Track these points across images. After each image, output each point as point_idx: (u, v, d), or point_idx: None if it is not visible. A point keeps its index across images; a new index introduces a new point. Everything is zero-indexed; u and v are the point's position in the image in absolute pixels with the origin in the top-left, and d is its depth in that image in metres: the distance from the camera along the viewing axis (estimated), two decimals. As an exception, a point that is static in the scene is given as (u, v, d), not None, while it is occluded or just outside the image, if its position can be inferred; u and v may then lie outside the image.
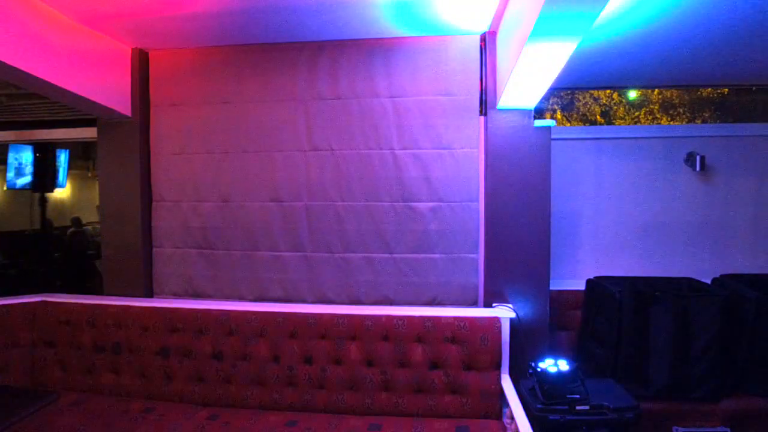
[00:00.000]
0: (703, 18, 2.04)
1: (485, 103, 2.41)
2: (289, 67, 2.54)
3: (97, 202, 3.45)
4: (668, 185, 2.95)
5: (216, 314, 2.39)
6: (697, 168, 2.87)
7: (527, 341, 2.35)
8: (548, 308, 2.39)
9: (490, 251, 2.40)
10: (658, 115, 9.51)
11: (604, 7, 1.40)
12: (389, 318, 2.26)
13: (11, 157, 3.80)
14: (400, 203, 2.47)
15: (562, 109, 9.73)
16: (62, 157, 3.51)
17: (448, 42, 2.43)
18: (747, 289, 2.35)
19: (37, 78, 2.06)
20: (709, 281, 2.62)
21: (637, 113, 9.75)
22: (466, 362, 2.20)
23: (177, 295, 2.69)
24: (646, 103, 9.63)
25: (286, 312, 2.35)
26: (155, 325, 2.41)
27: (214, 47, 2.61)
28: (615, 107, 9.85)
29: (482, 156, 2.42)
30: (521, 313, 2.35)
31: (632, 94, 9.31)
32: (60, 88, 2.20)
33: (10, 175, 3.44)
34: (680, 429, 2.21)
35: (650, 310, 2.27)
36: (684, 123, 9.01)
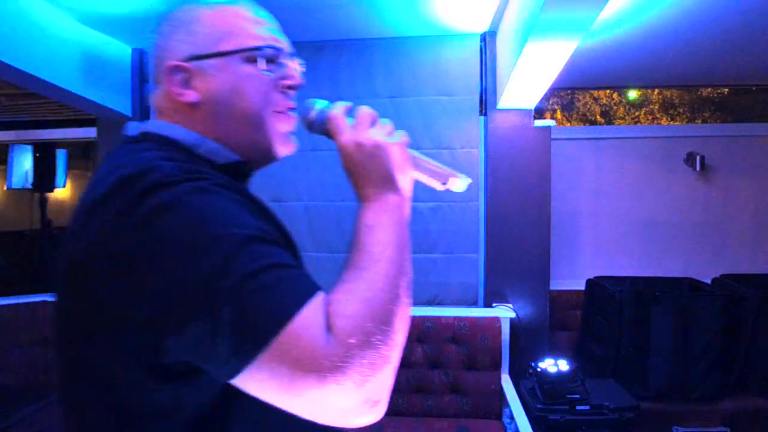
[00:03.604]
0: (704, 18, 2.04)
1: (485, 103, 2.41)
2: (289, 67, 2.53)
3: (97, 202, 3.43)
4: (668, 185, 2.95)
5: (216, 314, 2.38)
6: (697, 168, 2.86)
7: (527, 341, 2.34)
8: (548, 308, 2.39)
9: (490, 251, 2.40)
10: (658, 115, 9.51)
11: (604, 7, 1.40)
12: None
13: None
14: (400, 203, 2.47)
15: (562, 109, 9.72)
16: (61, 157, 3.52)
17: (448, 42, 2.43)
18: (747, 289, 2.34)
19: (37, 78, 2.06)
20: (709, 281, 2.61)
21: (637, 113, 9.74)
22: (466, 362, 2.20)
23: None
24: (646, 103, 9.62)
25: (286, 312, 2.34)
26: (155, 325, 2.41)
27: (214, 47, 2.61)
28: (615, 107, 9.85)
29: (482, 156, 2.42)
30: (521, 313, 2.35)
31: (632, 94, 9.30)
32: (60, 88, 2.19)
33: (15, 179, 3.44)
34: (680, 429, 2.21)
35: (650, 310, 2.27)
36: (684, 123, 9.01)
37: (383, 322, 0.49)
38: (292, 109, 0.69)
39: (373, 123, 0.65)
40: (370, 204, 0.61)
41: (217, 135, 0.64)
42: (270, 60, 0.65)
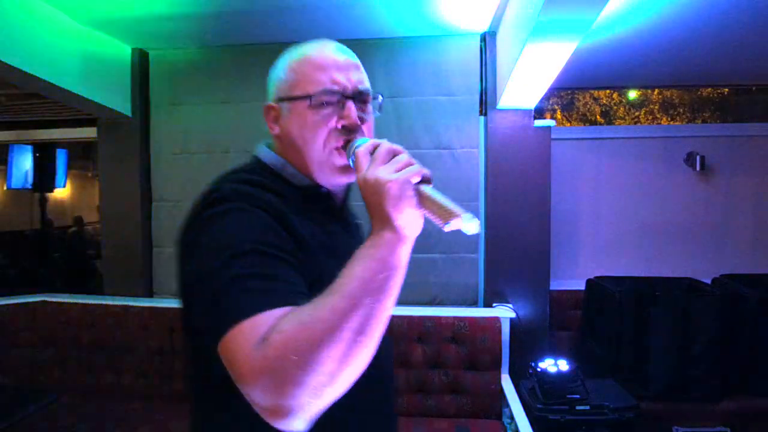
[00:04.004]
0: (703, 18, 2.04)
1: (485, 103, 2.41)
2: (289, 67, 2.53)
3: (97, 202, 3.44)
4: (668, 185, 2.95)
5: (216, 314, 2.38)
6: (697, 168, 2.86)
7: (527, 341, 2.34)
8: (548, 308, 2.39)
9: (490, 251, 2.40)
10: (658, 115, 9.51)
11: (603, 7, 1.40)
12: (389, 318, 2.26)
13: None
14: (400, 203, 2.47)
15: (562, 109, 9.73)
16: (61, 157, 3.52)
17: (448, 42, 2.43)
18: (747, 289, 2.35)
19: (37, 78, 2.06)
20: (709, 281, 2.61)
21: (637, 113, 9.75)
22: (466, 362, 2.20)
23: (177, 295, 2.68)
24: (646, 103, 9.63)
25: (286, 312, 2.35)
26: (155, 325, 2.41)
27: (214, 47, 2.61)
28: (615, 107, 9.85)
29: (482, 156, 2.42)
30: (521, 313, 2.35)
31: (632, 94, 9.30)
32: (60, 88, 2.20)
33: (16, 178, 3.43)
34: (680, 429, 2.21)
35: (650, 310, 2.27)
36: (684, 123, 9.01)
37: (308, 347, 0.52)
38: (344, 146, 0.76)
39: (388, 159, 0.63)
40: (368, 238, 0.62)
41: (293, 163, 0.79)
42: (325, 104, 0.75)
